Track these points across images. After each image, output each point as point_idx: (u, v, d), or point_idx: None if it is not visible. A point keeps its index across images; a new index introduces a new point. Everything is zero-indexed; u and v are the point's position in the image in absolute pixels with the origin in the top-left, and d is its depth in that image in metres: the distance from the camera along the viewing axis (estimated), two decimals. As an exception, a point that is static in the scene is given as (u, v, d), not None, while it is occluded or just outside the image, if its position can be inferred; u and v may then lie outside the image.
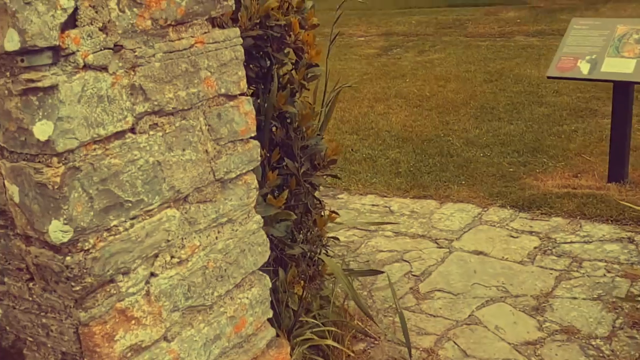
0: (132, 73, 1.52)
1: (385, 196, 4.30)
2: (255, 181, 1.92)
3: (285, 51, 2.42)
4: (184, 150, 1.69)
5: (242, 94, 1.85)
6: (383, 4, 13.48)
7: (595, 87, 6.17)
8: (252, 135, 1.89)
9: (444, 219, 3.89)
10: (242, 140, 1.86)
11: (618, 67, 3.76)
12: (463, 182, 4.39)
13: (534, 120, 5.71)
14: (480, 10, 11.99)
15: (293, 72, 2.43)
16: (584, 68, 3.88)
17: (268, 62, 2.39)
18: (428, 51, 9.19)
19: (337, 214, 2.54)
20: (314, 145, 2.43)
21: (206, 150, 1.76)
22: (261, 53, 2.36)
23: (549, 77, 4.10)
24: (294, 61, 2.44)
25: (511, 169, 4.60)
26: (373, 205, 4.18)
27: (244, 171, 1.88)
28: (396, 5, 12.88)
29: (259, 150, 1.92)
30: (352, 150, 5.14)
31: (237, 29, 1.79)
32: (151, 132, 1.60)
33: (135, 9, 1.50)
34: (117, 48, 1.48)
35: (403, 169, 4.71)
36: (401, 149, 5.16)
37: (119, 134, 1.52)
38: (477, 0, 13.06)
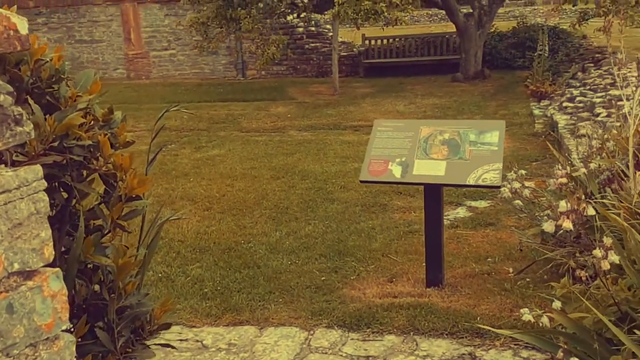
0: None
1: (194, 326, 3.64)
2: (70, 397, 1.23)
3: (89, 179, 1.78)
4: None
5: (47, 265, 1.18)
6: (150, 98, 12.92)
7: (379, 181, 6.26)
8: (65, 327, 1.22)
9: (268, 350, 3.35)
10: (47, 339, 1.18)
11: (429, 169, 3.71)
12: (280, 299, 3.93)
13: (330, 218, 5.54)
14: (251, 106, 12.07)
15: (103, 206, 1.78)
16: (396, 171, 3.76)
17: (66, 196, 1.72)
18: (205, 147, 8.80)
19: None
20: (135, 306, 1.78)
21: (-11, 372, 1.05)
22: (56, 184, 1.68)
23: (362, 182, 3.91)
24: (102, 192, 1.80)
25: (323, 278, 4.28)
26: (181, 340, 3.49)
27: (51, 387, 1.18)
28: (164, 99, 12.40)
29: (73, 348, 1.24)
30: (143, 269, 4.39)
31: (39, 168, 1.14)
32: None
33: None
34: None
35: (209, 288, 4.10)
36: (201, 262, 4.55)
37: None
38: (245, 95, 13.21)
